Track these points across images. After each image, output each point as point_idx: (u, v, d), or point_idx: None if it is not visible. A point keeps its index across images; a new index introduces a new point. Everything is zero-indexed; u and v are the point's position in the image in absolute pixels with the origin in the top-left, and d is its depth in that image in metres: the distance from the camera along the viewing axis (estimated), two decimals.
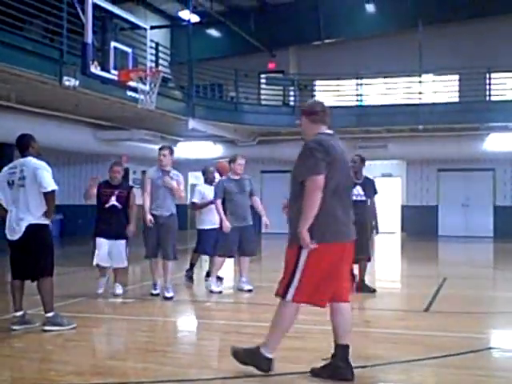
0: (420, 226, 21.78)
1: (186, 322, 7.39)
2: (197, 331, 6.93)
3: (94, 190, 8.71)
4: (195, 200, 10.00)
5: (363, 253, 8.68)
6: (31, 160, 6.50)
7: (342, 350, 4.84)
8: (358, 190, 8.88)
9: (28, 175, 6.37)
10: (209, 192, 9.74)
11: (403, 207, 22.83)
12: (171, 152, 8.62)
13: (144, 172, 22.63)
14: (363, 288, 8.94)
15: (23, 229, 6.37)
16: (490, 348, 6.14)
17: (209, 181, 10.08)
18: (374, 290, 9.03)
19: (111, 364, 5.27)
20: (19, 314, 6.49)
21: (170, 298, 8.32)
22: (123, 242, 8.73)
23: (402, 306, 8.85)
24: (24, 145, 6.62)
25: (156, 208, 8.51)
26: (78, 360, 5.42)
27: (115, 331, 6.71)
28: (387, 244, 20.56)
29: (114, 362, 5.34)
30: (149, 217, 8.45)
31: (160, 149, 8.69)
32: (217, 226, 9.23)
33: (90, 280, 11.12)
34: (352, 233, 4.84)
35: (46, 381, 4.82)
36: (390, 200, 23.22)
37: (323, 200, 4.51)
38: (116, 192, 8.68)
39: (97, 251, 8.67)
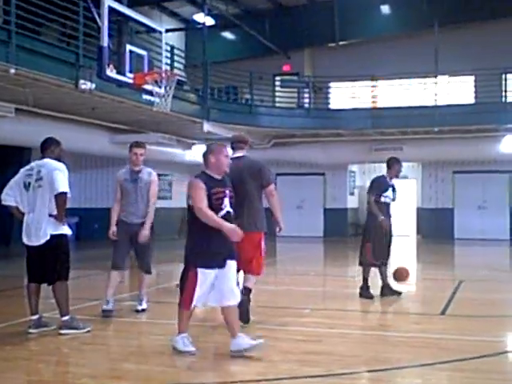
0: (436, 228, 21.66)
1: (202, 326, 7.40)
2: (212, 335, 6.94)
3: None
4: None
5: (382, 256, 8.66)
6: (48, 161, 6.51)
7: None
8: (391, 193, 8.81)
9: (44, 176, 6.37)
10: None
11: (418, 210, 22.72)
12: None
13: (160, 175, 22.80)
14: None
15: (42, 240, 6.33)
16: (507, 352, 6.11)
17: None
18: (399, 293, 8.86)
19: (127, 367, 5.29)
20: (35, 317, 6.49)
21: (144, 311, 7.79)
22: None
23: (417, 309, 8.80)
24: (44, 147, 6.64)
25: (127, 215, 7.55)
26: (94, 363, 5.45)
27: (131, 334, 6.73)
28: (402, 247, 20.48)
29: (130, 365, 5.36)
30: (113, 229, 7.59)
31: (135, 146, 7.65)
32: None
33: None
34: None
35: (63, 383, 4.86)
36: (405, 202, 23.14)
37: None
38: (227, 192, 5.72)
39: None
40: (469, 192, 21.33)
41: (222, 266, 5.50)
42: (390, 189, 8.77)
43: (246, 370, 5.21)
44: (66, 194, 6.30)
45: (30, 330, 6.42)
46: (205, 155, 5.70)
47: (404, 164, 22.45)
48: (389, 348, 6.14)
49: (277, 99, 21.39)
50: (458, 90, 20.89)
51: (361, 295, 8.70)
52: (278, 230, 7.12)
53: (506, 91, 19.10)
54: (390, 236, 8.87)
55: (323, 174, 22.02)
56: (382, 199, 8.71)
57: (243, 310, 6.46)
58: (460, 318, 7.68)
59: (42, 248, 6.35)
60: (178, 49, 18.86)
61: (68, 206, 6.44)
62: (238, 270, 6.00)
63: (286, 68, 23.43)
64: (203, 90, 17.74)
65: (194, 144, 21.27)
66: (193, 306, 5.55)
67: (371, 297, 8.62)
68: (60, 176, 6.32)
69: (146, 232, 7.52)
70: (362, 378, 5.05)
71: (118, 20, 11.79)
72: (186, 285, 5.49)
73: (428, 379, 5.11)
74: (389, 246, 8.85)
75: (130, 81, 11.59)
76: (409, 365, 5.40)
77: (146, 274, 7.92)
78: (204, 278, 5.46)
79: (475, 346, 6.09)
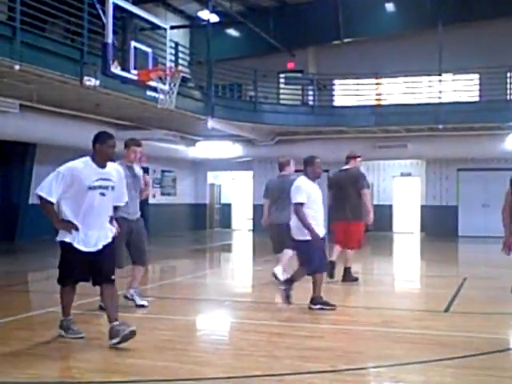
0: (439, 226, 21.65)
1: (206, 321, 7.42)
2: (216, 330, 6.97)
3: None
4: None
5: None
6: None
7: None
8: None
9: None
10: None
11: (422, 207, 22.72)
12: None
13: (164, 172, 22.85)
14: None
15: (101, 247, 5.84)
16: (510, 349, 6.11)
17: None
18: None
19: (131, 362, 5.31)
20: (69, 318, 6.12)
21: (143, 307, 7.70)
22: None
23: (421, 306, 8.81)
24: (93, 141, 6.01)
25: (129, 211, 7.44)
26: (100, 358, 5.47)
27: (136, 329, 6.74)
28: (406, 244, 20.48)
29: (134, 360, 5.38)
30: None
31: (136, 144, 7.75)
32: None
33: None
34: None
35: (68, 378, 4.88)
36: (409, 200, 23.13)
37: None
38: None
39: None
40: (473, 190, 21.31)
41: None
42: None
43: (249, 365, 5.22)
44: (40, 197, 5.66)
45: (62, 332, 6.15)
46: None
47: (408, 161, 22.46)
48: (392, 344, 6.15)
49: (281, 96, 21.39)
50: (462, 87, 20.85)
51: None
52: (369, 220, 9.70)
53: (510, 89, 19.05)
54: None
55: (327, 171, 22.00)
56: None
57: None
58: (464, 315, 7.68)
59: (99, 253, 5.90)
60: (183, 46, 18.87)
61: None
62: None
63: (290, 65, 23.42)
64: (207, 86, 17.75)
65: (197, 141, 21.30)
66: None
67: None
68: (50, 177, 5.72)
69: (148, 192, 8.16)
70: (364, 375, 5.06)
71: (122, 17, 11.82)
72: None
73: (431, 376, 5.12)
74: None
75: (135, 77, 11.62)
76: (412, 361, 5.41)
77: (142, 267, 7.85)
78: None
79: (479, 343, 6.09)
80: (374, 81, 20.94)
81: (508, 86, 19.01)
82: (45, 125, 14.81)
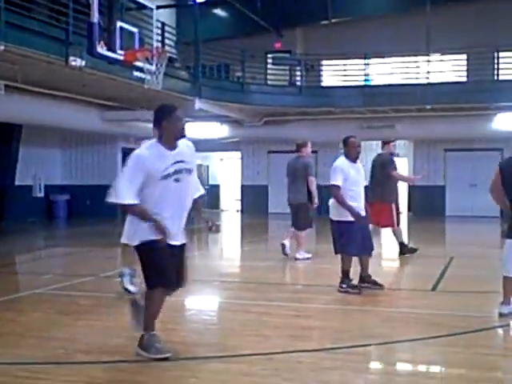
0: (427, 206, 21.72)
1: (195, 301, 7.43)
2: (206, 310, 6.98)
3: None
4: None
5: None
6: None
7: None
8: None
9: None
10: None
11: (410, 187, 22.77)
12: None
13: None
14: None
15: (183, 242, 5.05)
16: (496, 327, 6.16)
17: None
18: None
19: (119, 342, 5.32)
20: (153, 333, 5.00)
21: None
22: None
23: (409, 285, 8.87)
24: (154, 120, 4.99)
25: None
26: (87, 338, 5.47)
27: (123, 310, 6.73)
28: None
29: (122, 340, 5.38)
30: None
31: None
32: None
33: (99, 259, 11.22)
34: None
35: (55, 358, 4.88)
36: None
37: None
38: None
39: None
40: (460, 170, 21.37)
41: None
42: None
43: (239, 344, 5.24)
44: (122, 205, 4.80)
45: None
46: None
47: (396, 142, 22.50)
48: (380, 323, 6.18)
49: (269, 77, 21.27)
50: (450, 68, 20.83)
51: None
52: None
53: (498, 69, 19.05)
54: None
55: (315, 152, 21.99)
56: None
57: None
58: (451, 293, 7.74)
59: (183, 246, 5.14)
60: (170, 26, 18.67)
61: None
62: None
63: (277, 46, 23.26)
64: (195, 67, 17.61)
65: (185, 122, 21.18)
66: None
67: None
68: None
69: None
70: (353, 353, 5.08)
71: None
72: None
73: (419, 354, 5.16)
74: None
75: (121, 58, 11.51)
76: (400, 340, 5.45)
77: None
78: None
79: (465, 321, 6.14)
80: (361, 61, 20.86)
81: (495, 66, 19.01)
82: (30, 105, 14.66)
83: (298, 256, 10.29)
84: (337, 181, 7.39)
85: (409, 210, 22.84)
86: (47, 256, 12.38)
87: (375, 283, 7.66)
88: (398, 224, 10.97)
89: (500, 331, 6.05)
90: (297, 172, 10.41)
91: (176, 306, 7.13)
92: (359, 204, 7.48)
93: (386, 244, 12.11)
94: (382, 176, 10.63)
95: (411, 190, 22.52)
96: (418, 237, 16.21)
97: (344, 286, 7.51)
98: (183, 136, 4.91)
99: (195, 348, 5.21)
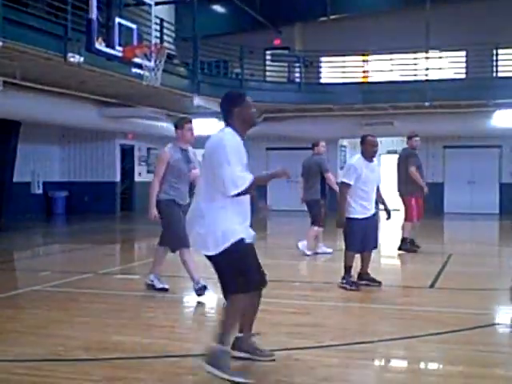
0: (425, 202, 21.72)
1: (192, 298, 7.43)
2: (203, 307, 6.97)
3: None
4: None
5: None
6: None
7: None
8: None
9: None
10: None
11: None
12: None
13: (150, 149, 22.73)
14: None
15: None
16: (495, 324, 6.18)
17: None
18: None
19: (118, 339, 5.32)
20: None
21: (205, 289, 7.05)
22: None
23: (407, 282, 8.87)
24: (224, 108, 4.58)
25: (177, 196, 7.03)
26: (86, 335, 5.47)
27: (122, 307, 6.74)
28: (392, 221, 20.54)
29: (121, 337, 5.39)
30: (154, 211, 7.01)
31: (185, 120, 7.24)
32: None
33: (97, 257, 11.23)
34: None
35: (54, 355, 4.88)
36: (395, 177, 23.17)
37: None
38: None
39: None
40: (459, 167, 21.38)
41: None
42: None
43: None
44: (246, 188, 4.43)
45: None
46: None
47: (394, 139, 22.41)
48: (377, 320, 6.20)
49: (267, 74, 21.27)
50: (449, 64, 20.81)
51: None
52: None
53: (497, 66, 19.05)
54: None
55: (312, 148, 21.97)
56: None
57: None
58: (449, 291, 7.75)
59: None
60: (168, 22, 18.66)
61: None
62: None
63: (276, 42, 23.26)
64: (193, 63, 17.61)
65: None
66: None
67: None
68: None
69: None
70: (350, 350, 5.09)
71: None
72: None
73: (417, 351, 5.17)
74: None
75: (120, 54, 11.49)
76: (397, 337, 5.45)
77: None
78: None
79: (463, 318, 6.15)
80: (360, 58, 20.85)
81: (494, 63, 19.01)
82: (29, 102, 14.65)
83: (300, 246, 10.62)
84: (348, 179, 7.42)
85: None
86: (45, 253, 12.39)
87: (373, 280, 7.68)
88: (412, 219, 11.39)
89: (498, 328, 6.06)
90: (310, 170, 10.72)
91: (173, 303, 7.15)
92: (370, 203, 7.55)
93: (383, 241, 12.13)
94: (402, 170, 11.19)
95: None
96: (416, 234, 16.20)
97: (344, 281, 7.55)
98: (255, 124, 4.61)
99: (193, 345, 5.21)
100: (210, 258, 4.45)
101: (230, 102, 4.51)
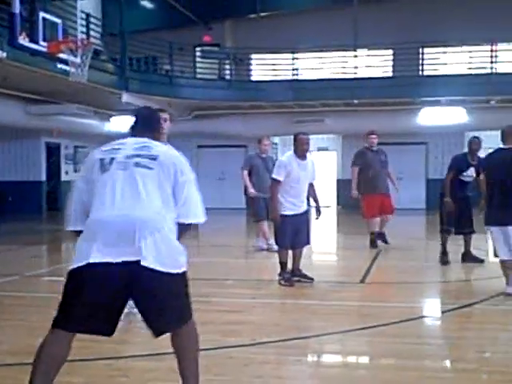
0: (356, 199, 22.03)
1: None
2: (132, 308, 6.83)
3: None
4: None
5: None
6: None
7: None
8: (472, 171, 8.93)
9: None
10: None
11: (339, 181, 23.09)
12: None
13: (77, 147, 22.22)
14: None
15: None
16: (423, 317, 6.31)
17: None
18: (481, 261, 9.07)
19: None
20: None
21: None
22: None
23: (337, 277, 8.95)
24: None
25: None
26: (13, 339, 5.30)
27: (51, 310, 6.52)
28: (323, 217, 20.79)
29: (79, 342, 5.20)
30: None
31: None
32: None
33: (24, 258, 10.88)
34: None
35: None
36: (325, 174, 23.47)
37: None
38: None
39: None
40: (390, 163, 21.76)
41: None
42: (472, 168, 8.85)
43: (167, 342, 5.14)
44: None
45: None
46: None
47: (325, 136, 22.59)
48: (310, 316, 6.23)
49: (198, 70, 21.13)
50: (377, 63, 21.19)
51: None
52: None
53: (423, 65, 19.53)
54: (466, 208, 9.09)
55: (245, 146, 22.00)
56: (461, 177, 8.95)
57: None
58: (379, 285, 7.88)
59: None
60: (94, 17, 18.27)
61: None
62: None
63: (206, 39, 23.13)
64: (121, 59, 17.31)
65: (112, 115, 20.79)
66: None
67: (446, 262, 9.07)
68: None
69: None
70: (284, 347, 5.08)
71: None
72: None
73: (348, 345, 5.21)
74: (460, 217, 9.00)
75: (44, 49, 11.20)
76: (329, 332, 5.49)
77: None
78: None
79: (393, 311, 6.25)
80: (290, 55, 20.98)
81: (420, 62, 19.47)
82: None
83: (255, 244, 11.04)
84: (278, 175, 7.49)
85: (338, 203, 23.18)
86: None
87: (305, 276, 7.72)
88: (365, 217, 11.56)
89: (425, 321, 6.19)
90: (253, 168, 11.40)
91: None
92: (299, 200, 7.59)
93: (314, 237, 12.23)
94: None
95: (340, 183, 22.85)
96: (347, 230, 16.48)
97: (280, 278, 7.58)
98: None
99: (123, 347, 5.10)
100: None
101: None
